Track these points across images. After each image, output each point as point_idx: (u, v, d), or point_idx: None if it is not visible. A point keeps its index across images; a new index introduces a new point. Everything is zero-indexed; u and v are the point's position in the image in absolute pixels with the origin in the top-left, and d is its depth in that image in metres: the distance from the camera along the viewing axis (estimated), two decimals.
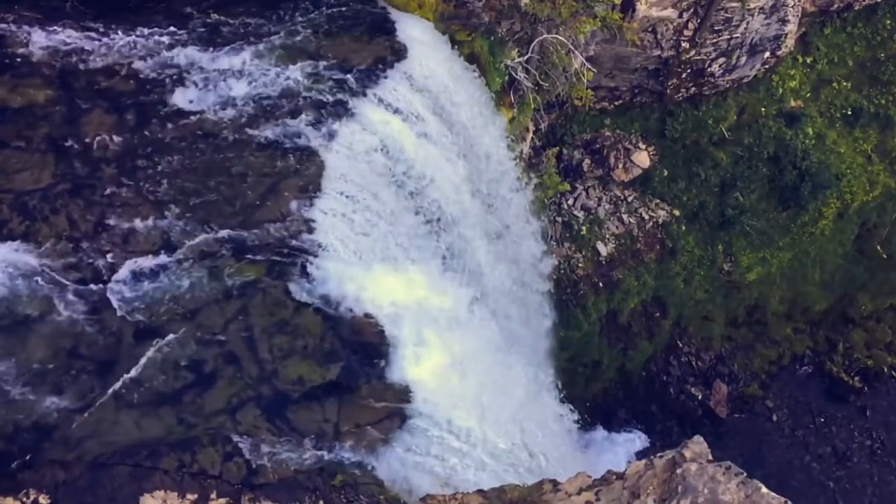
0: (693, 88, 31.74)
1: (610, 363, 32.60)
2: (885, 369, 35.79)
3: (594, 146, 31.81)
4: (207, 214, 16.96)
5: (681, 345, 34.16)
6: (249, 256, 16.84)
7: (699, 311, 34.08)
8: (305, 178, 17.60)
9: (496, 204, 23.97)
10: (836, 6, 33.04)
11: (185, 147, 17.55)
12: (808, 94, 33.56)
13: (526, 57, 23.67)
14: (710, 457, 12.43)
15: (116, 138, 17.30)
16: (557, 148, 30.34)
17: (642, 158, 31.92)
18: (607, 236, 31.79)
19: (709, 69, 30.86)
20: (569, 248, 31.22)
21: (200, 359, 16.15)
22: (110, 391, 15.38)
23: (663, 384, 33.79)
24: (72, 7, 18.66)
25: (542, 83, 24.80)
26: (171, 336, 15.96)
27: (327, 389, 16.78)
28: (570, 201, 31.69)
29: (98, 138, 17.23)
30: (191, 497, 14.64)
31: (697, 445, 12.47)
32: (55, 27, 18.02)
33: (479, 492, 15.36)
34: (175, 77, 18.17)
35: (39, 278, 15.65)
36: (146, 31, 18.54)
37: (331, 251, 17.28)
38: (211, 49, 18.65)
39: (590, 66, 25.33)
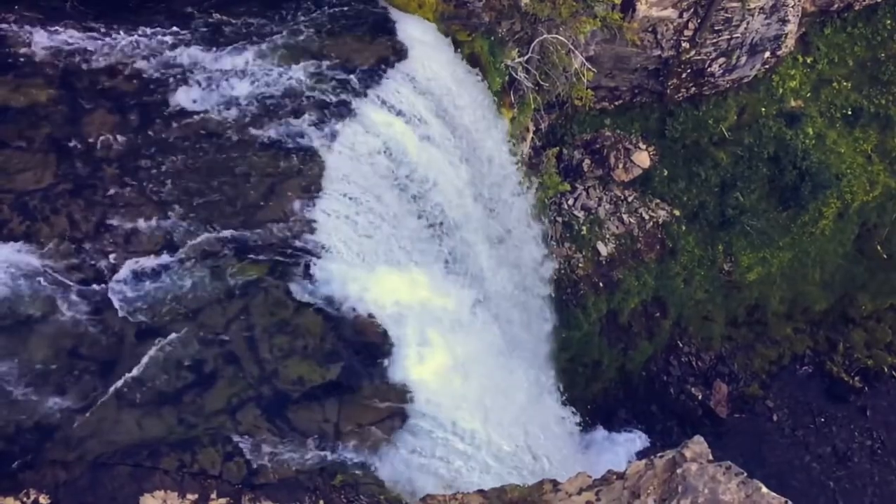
0: (693, 88, 31.74)
1: (610, 363, 32.61)
2: (886, 369, 35.80)
3: (594, 146, 31.81)
4: (209, 214, 16.97)
5: (681, 345, 34.17)
6: (252, 256, 16.86)
7: (699, 310, 34.10)
8: (308, 178, 17.61)
9: (497, 208, 23.99)
10: (836, 6, 33.05)
11: (187, 147, 17.57)
12: (809, 94, 33.57)
13: (526, 57, 23.67)
14: (711, 457, 12.43)
15: (118, 138, 17.30)
16: (558, 148, 30.35)
17: (642, 158, 31.93)
18: (607, 236, 31.80)
19: (709, 69, 30.86)
20: (569, 248, 31.23)
21: (201, 359, 16.16)
22: (111, 391, 15.39)
23: (663, 384, 33.80)
24: (72, 7, 18.66)
25: (542, 83, 24.80)
26: (172, 336, 15.98)
27: (328, 389, 16.78)
28: (571, 201, 31.70)
29: (100, 138, 17.23)
30: (191, 497, 14.64)
31: (698, 445, 12.48)
32: (56, 27, 18.03)
33: (480, 492, 15.36)
34: (177, 77, 18.18)
35: (41, 279, 15.66)
36: (149, 30, 18.55)
37: (334, 253, 17.29)
38: (213, 49, 18.66)
39: (590, 66, 25.33)
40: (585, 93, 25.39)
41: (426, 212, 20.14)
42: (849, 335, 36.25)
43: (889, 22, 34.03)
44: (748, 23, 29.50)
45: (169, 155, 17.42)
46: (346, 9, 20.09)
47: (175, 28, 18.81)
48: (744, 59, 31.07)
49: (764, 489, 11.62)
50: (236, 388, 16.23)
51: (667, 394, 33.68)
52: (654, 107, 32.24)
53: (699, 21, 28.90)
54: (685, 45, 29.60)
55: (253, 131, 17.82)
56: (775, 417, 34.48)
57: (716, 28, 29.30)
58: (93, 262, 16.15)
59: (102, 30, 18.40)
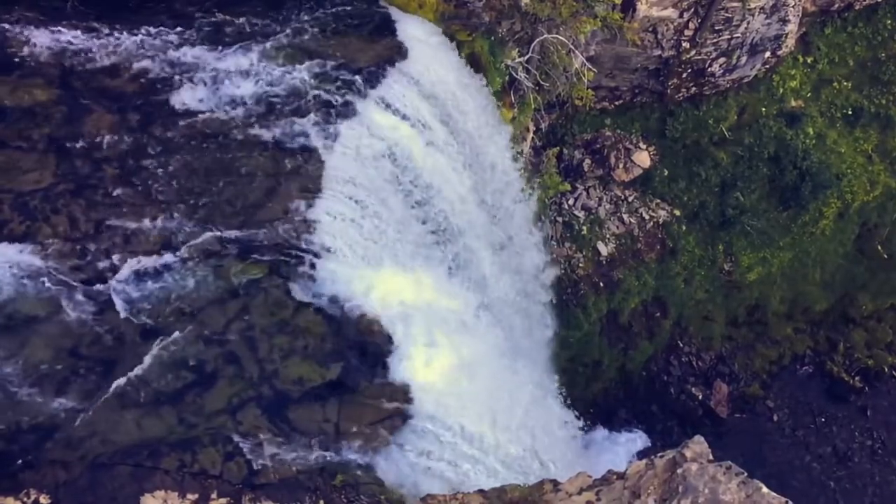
0: (693, 88, 31.74)
1: (610, 363, 32.60)
2: (886, 369, 35.79)
3: (595, 146, 31.81)
4: (210, 214, 16.96)
5: (681, 345, 34.16)
6: (256, 256, 16.86)
7: (700, 310, 34.09)
8: (309, 178, 17.59)
9: (499, 215, 24.00)
10: (836, 6, 33.04)
11: (187, 146, 17.54)
12: (809, 94, 33.56)
13: (526, 57, 23.66)
14: (711, 457, 12.43)
15: (118, 138, 17.29)
16: (558, 148, 30.33)
17: (643, 158, 31.92)
18: (608, 236, 31.79)
19: (709, 69, 30.85)
20: (569, 248, 31.23)
21: (201, 358, 16.17)
22: (111, 390, 15.39)
23: (664, 384, 33.79)
24: (72, 7, 18.65)
25: (542, 83, 24.79)
26: (172, 336, 15.98)
27: (328, 389, 16.79)
28: (571, 201, 31.70)
29: (100, 138, 17.22)
30: (191, 497, 14.65)
31: (698, 445, 12.48)
32: (56, 27, 18.01)
33: (480, 492, 15.37)
34: (178, 77, 18.15)
35: (43, 279, 15.65)
36: (150, 30, 18.52)
37: (338, 255, 17.28)
38: (214, 48, 18.63)
39: (590, 66, 25.32)
40: (586, 93, 25.38)
41: (430, 218, 20.14)
42: (849, 335, 36.24)
43: (889, 22, 34.03)
44: (748, 23, 29.49)
45: (170, 155, 17.41)
46: (349, 8, 20.09)
47: (176, 28, 18.79)
48: (744, 58, 31.06)
49: (764, 489, 11.62)
50: (237, 388, 16.23)
51: (667, 394, 33.68)
52: (654, 107, 32.23)
53: (700, 21, 28.89)
54: (685, 44, 29.59)
55: (254, 131, 17.81)
56: (776, 417, 34.47)
57: (716, 28, 29.29)
58: (93, 262, 16.15)
59: (103, 30, 18.38)
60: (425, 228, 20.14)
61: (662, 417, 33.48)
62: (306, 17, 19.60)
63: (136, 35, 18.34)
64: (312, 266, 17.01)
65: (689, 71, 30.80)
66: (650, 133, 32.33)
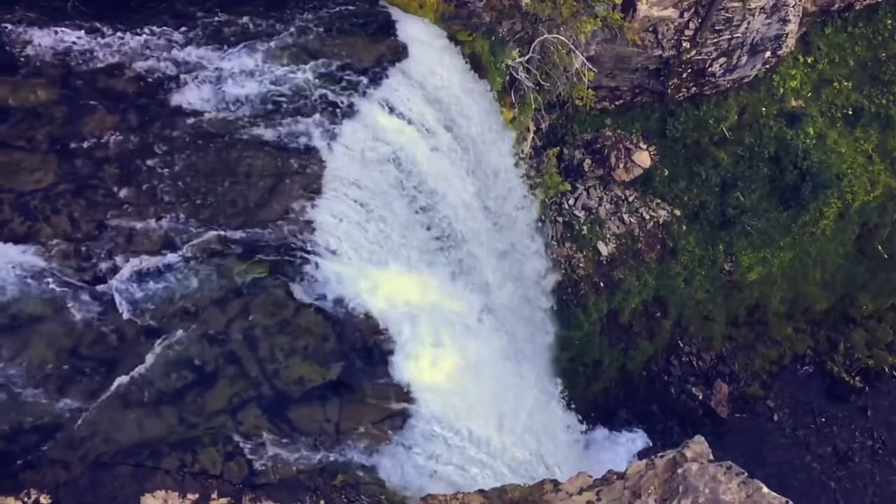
0: (694, 88, 31.74)
1: (611, 363, 32.61)
2: (886, 369, 35.80)
3: (595, 146, 31.81)
4: (213, 214, 16.96)
5: (682, 344, 34.17)
6: (260, 256, 16.85)
7: (700, 310, 34.10)
8: (313, 179, 17.58)
9: (501, 222, 23.99)
10: (836, 6, 33.04)
11: (190, 146, 17.52)
12: (809, 94, 33.56)
13: (527, 57, 23.66)
14: (711, 456, 12.43)
15: (120, 138, 17.29)
16: (558, 148, 30.36)
17: (643, 158, 31.92)
18: (608, 236, 31.80)
19: (710, 69, 30.86)
20: (570, 248, 31.23)
21: (202, 358, 16.17)
22: (112, 390, 15.39)
23: (664, 384, 33.80)
24: (73, 7, 18.65)
25: (542, 83, 24.79)
26: (173, 335, 15.98)
27: (329, 389, 16.78)
28: (571, 201, 31.70)
29: (101, 138, 17.22)
30: (192, 497, 14.65)
31: (698, 445, 12.47)
32: (57, 27, 18.01)
33: (480, 492, 15.36)
34: (179, 76, 18.14)
35: (45, 279, 15.65)
36: (152, 30, 18.52)
37: (343, 256, 17.28)
38: (220, 48, 18.63)
39: (591, 66, 25.33)
40: (586, 92, 25.39)
41: (434, 224, 20.14)
42: (849, 335, 36.25)
43: (890, 22, 34.03)
44: (749, 22, 29.49)
45: (171, 154, 17.40)
46: (352, 8, 20.08)
47: (180, 27, 18.79)
48: (744, 58, 31.06)
49: (765, 489, 11.62)
50: (237, 387, 16.23)
51: (667, 393, 33.68)
52: (654, 106, 32.24)
53: (700, 21, 28.89)
54: (686, 44, 29.59)
55: (257, 131, 17.80)
56: (776, 417, 34.47)
57: (716, 28, 29.29)
58: (94, 263, 16.15)
59: (104, 30, 18.38)
60: (430, 234, 20.14)
61: (663, 417, 33.49)
62: (310, 17, 19.59)
63: (139, 35, 18.33)
64: (316, 266, 17.01)
65: (690, 71, 30.80)
66: (650, 133, 32.34)
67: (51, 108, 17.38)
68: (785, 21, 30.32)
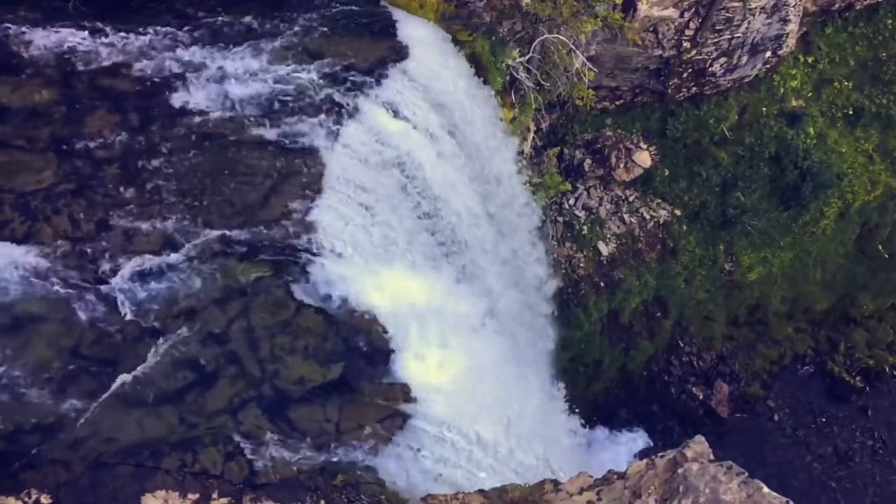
0: (694, 88, 31.73)
1: (611, 363, 32.60)
2: (887, 369, 35.79)
3: (595, 146, 31.81)
4: (214, 214, 16.96)
5: (682, 344, 34.16)
6: (263, 256, 16.85)
7: (700, 310, 34.09)
8: (315, 179, 17.57)
9: (504, 229, 23.99)
10: (837, 6, 33.03)
11: (192, 146, 17.51)
12: (810, 94, 33.55)
13: (527, 57, 23.66)
14: (712, 456, 12.43)
15: (120, 138, 17.29)
16: (559, 148, 30.34)
17: (643, 158, 31.91)
18: (608, 236, 31.79)
19: (710, 69, 30.85)
20: (570, 248, 31.23)
21: (202, 358, 16.17)
22: (112, 390, 15.39)
23: (665, 384, 33.79)
24: (73, 7, 18.65)
25: (543, 83, 24.79)
26: (174, 335, 15.98)
27: (330, 389, 16.78)
28: (572, 201, 31.70)
29: (102, 138, 17.22)
30: (192, 497, 14.65)
31: (699, 445, 12.47)
32: (57, 27, 18.01)
33: (481, 492, 15.36)
34: (180, 77, 18.13)
35: (46, 280, 15.66)
36: (152, 30, 18.50)
37: (349, 260, 17.27)
38: (216, 48, 18.62)
39: (591, 66, 25.32)
40: (586, 92, 25.39)
41: (438, 229, 20.14)
42: (850, 335, 36.24)
43: (890, 21, 34.01)
44: (749, 22, 29.48)
45: (172, 154, 17.39)
46: (355, 8, 20.08)
47: (178, 28, 18.79)
48: (745, 58, 31.05)
49: (765, 489, 11.62)
50: (237, 387, 16.23)
51: (668, 393, 33.68)
52: (655, 106, 32.23)
53: (700, 21, 28.88)
54: (686, 44, 29.58)
55: (260, 131, 17.79)
56: (776, 417, 34.46)
57: (717, 28, 29.28)
58: (94, 263, 16.15)
59: (104, 30, 18.38)
60: (434, 240, 20.15)
61: (663, 417, 33.48)
62: (313, 16, 19.58)
63: (142, 35, 18.32)
64: (322, 267, 17.00)
65: (690, 71, 30.79)
66: (651, 133, 32.33)
67: (51, 108, 17.38)
68: (785, 21, 30.31)
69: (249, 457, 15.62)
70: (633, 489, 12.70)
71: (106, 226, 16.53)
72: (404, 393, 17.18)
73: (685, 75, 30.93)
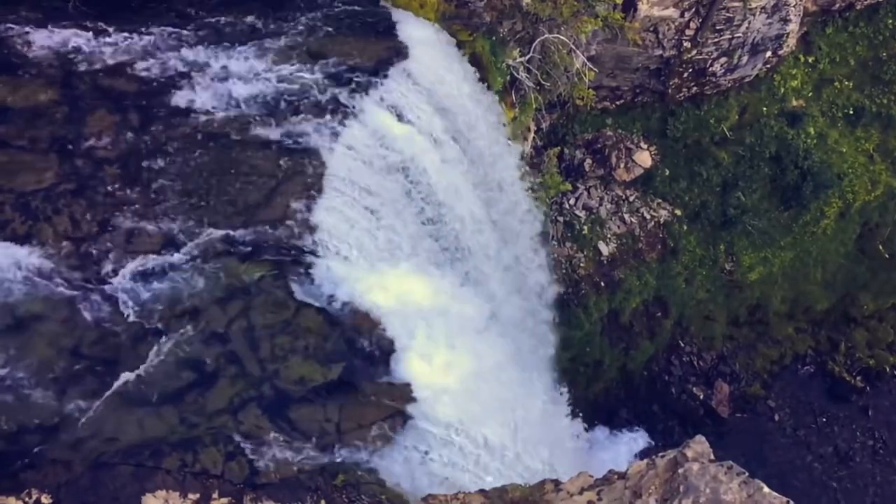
0: (695, 88, 31.73)
1: (611, 363, 32.59)
2: (888, 369, 35.79)
3: (596, 146, 31.81)
4: (215, 214, 16.95)
5: (682, 344, 34.15)
6: (267, 256, 16.84)
7: (701, 310, 34.08)
8: (316, 179, 17.56)
9: (506, 236, 23.99)
10: (837, 5, 33.03)
11: (193, 146, 17.50)
12: (810, 94, 33.55)
13: (527, 56, 23.67)
14: (712, 456, 12.43)
15: (120, 138, 17.29)
16: (559, 147, 30.34)
17: (644, 158, 31.91)
18: (609, 236, 31.78)
19: (710, 69, 30.85)
20: (570, 248, 31.22)
21: (203, 358, 16.17)
22: (112, 390, 15.39)
23: (665, 384, 33.78)
24: (74, 7, 18.65)
25: (543, 83, 24.80)
26: (175, 335, 15.98)
27: (330, 389, 16.78)
28: (572, 201, 31.69)
29: (102, 138, 17.22)
30: (193, 497, 14.65)
31: (699, 445, 12.47)
32: (58, 28, 18.02)
33: (481, 491, 15.36)
34: (180, 77, 18.13)
35: (47, 280, 15.66)
36: (152, 30, 18.50)
37: (353, 261, 17.26)
38: (216, 49, 18.61)
39: (591, 66, 25.33)
40: (587, 92, 25.40)
41: (442, 235, 20.13)
42: (850, 335, 36.24)
43: (890, 21, 34.02)
44: (750, 22, 29.48)
45: (173, 154, 17.39)
46: (357, 8, 20.06)
47: (179, 28, 18.78)
48: (745, 58, 31.05)
49: (766, 489, 11.62)
50: (238, 387, 16.23)
51: (668, 393, 33.67)
52: (655, 106, 32.23)
53: (701, 20, 28.89)
54: (687, 44, 29.58)
55: (262, 130, 17.78)
56: (777, 417, 34.46)
57: (717, 27, 29.28)
58: (95, 262, 16.16)
59: (105, 30, 18.38)
60: (438, 245, 20.14)
61: (663, 417, 33.48)
62: (316, 16, 19.56)
63: (146, 35, 18.31)
64: (327, 268, 16.99)
65: (691, 70, 30.79)
66: (651, 133, 32.33)
67: (52, 108, 17.40)
68: (786, 21, 30.31)
69: (250, 457, 15.62)
70: (633, 489, 12.70)
71: (107, 225, 16.54)
72: (406, 393, 17.17)
73: (685, 75, 30.93)
